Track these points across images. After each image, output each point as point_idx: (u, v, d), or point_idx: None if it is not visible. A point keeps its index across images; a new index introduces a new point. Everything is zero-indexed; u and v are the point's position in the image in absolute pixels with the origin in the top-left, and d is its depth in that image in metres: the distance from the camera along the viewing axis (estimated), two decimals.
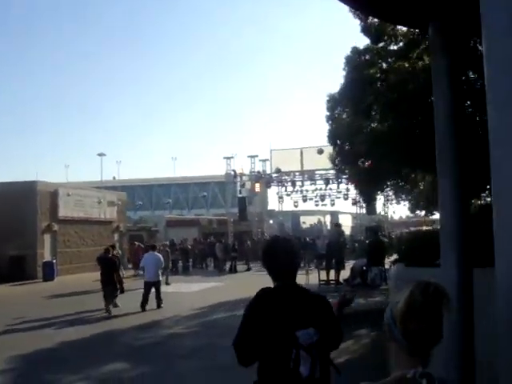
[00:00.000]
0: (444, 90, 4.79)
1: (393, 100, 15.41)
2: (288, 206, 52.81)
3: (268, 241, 4.22)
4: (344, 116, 20.99)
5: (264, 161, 47.57)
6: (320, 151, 43.11)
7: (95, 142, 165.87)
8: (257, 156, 47.64)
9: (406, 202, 37.70)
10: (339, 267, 17.92)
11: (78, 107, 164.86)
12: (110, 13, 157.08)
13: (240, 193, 48.34)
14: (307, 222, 54.81)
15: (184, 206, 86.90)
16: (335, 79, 70.67)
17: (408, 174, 22.02)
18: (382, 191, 28.82)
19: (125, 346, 12.79)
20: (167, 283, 24.88)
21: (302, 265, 38.58)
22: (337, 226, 19.17)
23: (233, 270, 33.66)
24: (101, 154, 72.83)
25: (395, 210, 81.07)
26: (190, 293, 23.42)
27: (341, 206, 53.96)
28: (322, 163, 44.12)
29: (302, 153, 45.05)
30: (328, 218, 56.05)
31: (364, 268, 16.18)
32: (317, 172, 45.55)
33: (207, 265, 39.91)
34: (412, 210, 41.04)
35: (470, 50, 11.94)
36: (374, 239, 17.07)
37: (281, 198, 48.98)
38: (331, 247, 17.70)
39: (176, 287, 24.77)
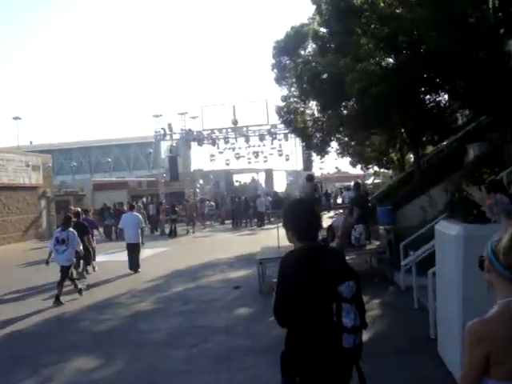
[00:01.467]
0: None
1: (387, 34, 13.74)
2: (218, 164, 50.75)
3: (290, 204, 4.07)
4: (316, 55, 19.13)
5: (194, 118, 44.88)
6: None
7: (10, 104, 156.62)
8: (186, 113, 45.04)
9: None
10: None
11: None
12: None
13: (171, 152, 46.03)
14: (240, 180, 52.98)
15: (106, 169, 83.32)
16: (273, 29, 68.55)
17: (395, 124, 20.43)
18: (368, 137, 27.19)
19: (82, 332, 10.58)
20: None
21: (244, 225, 37.64)
22: (309, 179, 17.02)
23: (173, 234, 31.00)
24: (16, 118, 67.97)
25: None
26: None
27: (273, 164, 52.41)
28: (256, 119, 42.73)
29: (234, 108, 42.85)
30: (262, 176, 54.34)
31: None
32: (250, 128, 43.67)
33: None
34: (353, 164, 40.13)
35: None
36: (357, 194, 15.18)
37: (212, 156, 46.65)
38: None
39: (119, 255, 22.41)
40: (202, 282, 15.40)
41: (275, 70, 27.09)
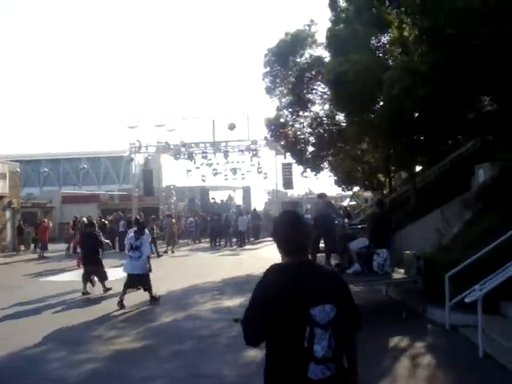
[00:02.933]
0: None
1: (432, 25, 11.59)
2: (192, 180, 48.34)
3: (279, 216, 3.79)
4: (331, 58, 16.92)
5: (171, 131, 42.32)
6: (232, 126, 39.15)
7: None
8: (164, 125, 42.44)
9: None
10: (331, 249, 13.54)
11: None
12: None
13: (145, 165, 43.63)
14: (216, 197, 50.48)
15: (75, 182, 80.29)
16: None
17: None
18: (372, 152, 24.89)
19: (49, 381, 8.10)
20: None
21: (223, 244, 35.15)
22: (321, 196, 14.70)
23: (155, 254, 25.42)
24: None
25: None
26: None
27: (251, 182, 50.07)
28: (236, 134, 40.58)
29: (213, 123, 40.65)
30: (239, 194, 51.94)
31: (364, 250, 12.19)
32: (230, 144, 41.47)
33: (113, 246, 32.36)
34: (338, 183, 38.10)
35: None
36: (379, 212, 12.91)
37: (189, 171, 44.25)
38: (320, 224, 13.27)
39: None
40: (193, 311, 12.99)
41: (266, 80, 25.03)
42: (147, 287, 13.56)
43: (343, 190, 43.62)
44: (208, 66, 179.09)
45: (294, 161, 28.52)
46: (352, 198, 52.86)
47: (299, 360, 3.07)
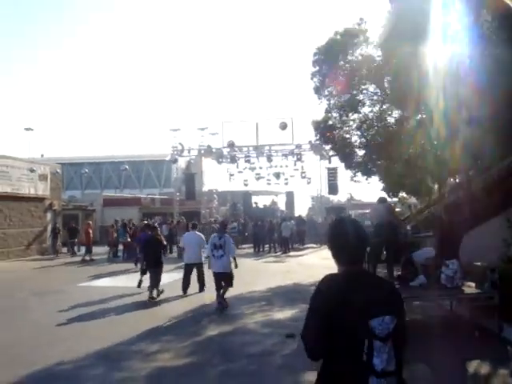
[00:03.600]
0: None
1: None
2: (234, 185, 47.52)
3: (336, 222, 3.51)
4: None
5: (214, 134, 41.64)
6: (283, 126, 38.18)
7: (22, 116, 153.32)
8: (207, 128, 41.75)
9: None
10: (394, 259, 12.29)
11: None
12: None
13: (187, 169, 42.98)
14: (259, 202, 49.46)
15: (117, 185, 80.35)
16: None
17: None
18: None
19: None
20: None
21: (267, 250, 34.05)
22: (382, 201, 13.39)
23: None
24: (28, 129, 64.96)
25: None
26: None
27: (294, 187, 49.09)
28: (280, 138, 39.62)
29: (257, 126, 39.73)
30: (282, 198, 50.88)
31: (430, 261, 11.01)
32: (273, 148, 40.52)
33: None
34: (387, 189, 36.66)
35: None
36: (448, 220, 11.71)
37: (232, 175, 43.46)
38: (382, 232, 11.99)
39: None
40: (240, 324, 11.92)
41: (315, 79, 23.88)
42: (227, 286, 13.61)
43: (389, 196, 42.22)
44: (253, 67, 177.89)
45: (343, 164, 27.20)
46: (398, 204, 51.04)
47: (358, 374, 2.93)
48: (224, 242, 13.54)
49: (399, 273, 11.97)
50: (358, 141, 25.05)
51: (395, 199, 52.68)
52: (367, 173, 26.13)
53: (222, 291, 13.58)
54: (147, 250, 15.58)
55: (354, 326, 2.95)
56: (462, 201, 23.57)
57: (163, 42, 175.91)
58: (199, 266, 16.23)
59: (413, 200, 47.99)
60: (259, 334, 10.81)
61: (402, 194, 42.96)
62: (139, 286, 16.71)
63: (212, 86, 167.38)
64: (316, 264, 22.21)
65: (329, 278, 3.20)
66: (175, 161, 42.26)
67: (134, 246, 23.68)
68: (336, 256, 3.28)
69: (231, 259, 13.68)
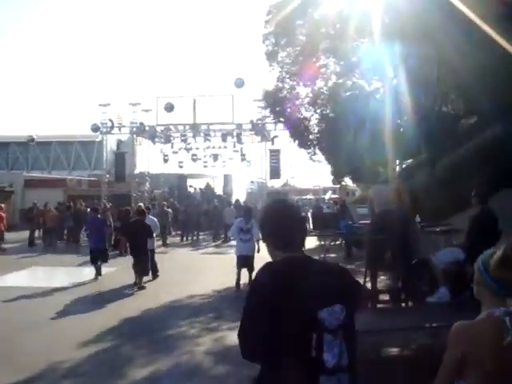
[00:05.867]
0: None
1: None
2: (170, 167, 43.25)
3: (270, 205, 3.25)
4: None
5: (147, 111, 37.06)
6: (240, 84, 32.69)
7: None
8: (139, 104, 37.16)
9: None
10: (406, 265, 8.18)
11: None
12: None
13: (118, 147, 38.56)
14: (195, 186, 45.13)
15: (44, 166, 74.72)
16: None
17: None
18: None
19: None
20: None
21: (200, 239, 30.00)
22: (384, 181, 9.44)
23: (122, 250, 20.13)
24: None
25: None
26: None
27: (232, 170, 45.18)
28: (219, 116, 35.77)
29: (194, 102, 35.66)
30: (220, 182, 46.86)
31: (455, 266, 7.41)
32: (212, 127, 36.63)
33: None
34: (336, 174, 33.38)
35: None
36: (484, 210, 7.98)
37: (166, 155, 39.40)
38: (386, 225, 7.89)
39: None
40: (183, 354, 8.02)
41: (267, 42, 20.02)
42: (251, 269, 12.76)
43: (334, 182, 39.22)
44: (193, 34, 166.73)
45: (296, 143, 23.55)
46: (340, 190, 47.94)
47: (307, 373, 2.49)
48: (251, 225, 13.45)
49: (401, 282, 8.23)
50: (313, 116, 21.45)
51: (331, 185, 50.01)
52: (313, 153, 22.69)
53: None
54: (133, 236, 14.43)
55: (300, 319, 2.49)
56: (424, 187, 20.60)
57: (93, 6, 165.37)
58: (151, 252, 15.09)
59: (352, 187, 45.22)
60: (212, 378, 6.96)
61: (345, 181, 39.94)
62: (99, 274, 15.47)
63: (146, 57, 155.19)
64: (263, 255, 18.52)
65: (268, 268, 2.70)
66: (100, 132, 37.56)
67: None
68: (271, 241, 2.82)
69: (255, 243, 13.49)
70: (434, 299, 7.48)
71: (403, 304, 7.52)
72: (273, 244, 2.81)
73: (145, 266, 14.28)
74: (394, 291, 7.67)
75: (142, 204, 20.57)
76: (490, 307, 2.62)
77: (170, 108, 33.88)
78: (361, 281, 7.53)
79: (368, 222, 8.32)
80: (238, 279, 13.50)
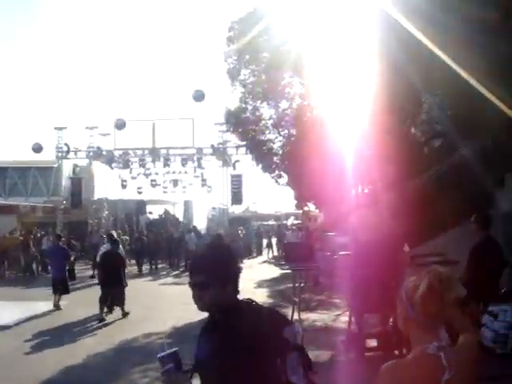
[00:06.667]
0: None
1: None
2: (129, 193, 41.52)
3: (210, 245, 2.89)
4: None
5: (105, 135, 35.48)
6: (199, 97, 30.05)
7: None
8: (96, 128, 35.61)
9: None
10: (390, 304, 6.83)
11: None
12: None
13: (74, 172, 36.84)
14: (154, 212, 43.49)
15: (0, 193, 72.00)
16: None
17: None
18: None
19: None
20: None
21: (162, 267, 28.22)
22: (372, 200, 7.96)
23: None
24: None
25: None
26: None
27: (192, 196, 43.63)
28: (179, 141, 34.49)
29: (154, 126, 34.33)
30: (180, 208, 45.23)
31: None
32: (172, 151, 35.29)
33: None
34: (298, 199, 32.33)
35: None
36: (487, 238, 6.74)
37: (124, 181, 37.88)
38: (371, 255, 6.46)
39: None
40: None
41: (230, 60, 18.86)
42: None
43: (298, 207, 38.20)
44: (152, 55, 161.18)
45: (261, 165, 22.32)
46: (302, 216, 46.74)
47: None
48: None
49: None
50: (277, 139, 20.33)
51: (293, 211, 48.89)
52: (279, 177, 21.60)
53: None
54: (106, 266, 14.03)
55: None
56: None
57: (47, 26, 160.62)
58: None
59: (315, 212, 44.21)
60: None
61: (308, 206, 38.87)
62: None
63: (102, 78, 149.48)
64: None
65: (206, 326, 2.67)
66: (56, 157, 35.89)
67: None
68: (221, 289, 2.52)
69: None
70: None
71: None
72: (222, 293, 2.53)
73: (121, 296, 13.87)
74: (384, 335, 6.39)
75: (114, 232, 19.05)
76: (421, 343, 2.41)
77: (121, 125, 32.31)
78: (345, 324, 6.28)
79: (350, 253, 7.01)
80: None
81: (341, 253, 6.56)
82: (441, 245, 15.20)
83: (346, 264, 6.81)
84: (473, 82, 10.71)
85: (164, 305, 15.38)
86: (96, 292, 14.14)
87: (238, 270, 2.62)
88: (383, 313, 6.53)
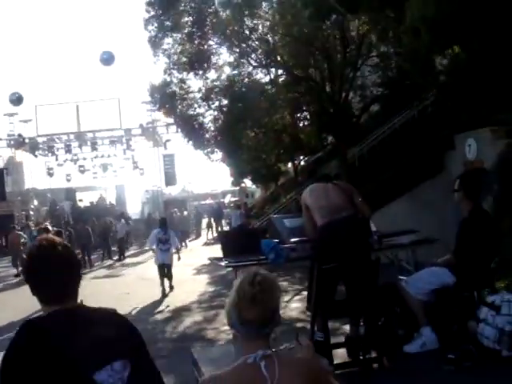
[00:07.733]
0: None
1: None
2: (57, 181, 39.17)
3: (32, 249, 2.34)
4: None
5: (26, 121, 33.17)
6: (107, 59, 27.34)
7: None
8: (16, 114, 33.10)
9: None
10: (369, 297, 5.38)
11: None
12: None
13: None
14: (85, 199, 41.07)
15: None
16: None
17: None
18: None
19: None
20: None
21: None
22: (326, 178, 6.55)
23: None
24: None
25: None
26: None
27: (125, 179, 41.47)
28: (106, 123, 32.56)
29: (78, 109, 32.24)
30: (112, 193, 42.95)
31: (432, 297, 4.90)
32: (98, 134, 33.32)
33: None
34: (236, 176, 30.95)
35: None
36: (478, 210, 5.37)
37: (50, 169, 35.57)
38: (337, 240, 5.06)
39: None
40: None
41: (150, 27, 16.97)
42: (170, 277, 14.10)
43: (233, 184, 36.89)
44: (67, 36, 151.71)
45: (191, 142, 20.64)
46: (239, 193, 45.44)
47: None
48: (169, 235, 14.19)
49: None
50: (207, 112, 18.72)
51: (229, 188, 47.41)
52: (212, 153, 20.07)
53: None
54: None
55: None
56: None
57: None
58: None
59: (252, 188, 43.08)
60: None
61: (244, 183, 37.54)
62: None
63: (19, 62, 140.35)
64: (184, 262, 16.46)
65: (28, 327, 2.10)
66: None
67: None
68: (38, 293, 2.17)
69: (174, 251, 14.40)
70: (414, 348, 4.95)
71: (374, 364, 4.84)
72: (38, 298, 2.16)
73: None
74: (354, 343, 4.94)
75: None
76: (248, 352, 2.11)
77: (17, 100, 30.18)
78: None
79: (306, 239, 5.45)
80: (163, 288, 13.84)
81: (294, 240, 5.12)
82: (393, 214, 14.17)
83: (306, 254, 5.28)
84: None
85: (98, 299, 13.62)
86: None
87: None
88: (354, 315, 5.07)
